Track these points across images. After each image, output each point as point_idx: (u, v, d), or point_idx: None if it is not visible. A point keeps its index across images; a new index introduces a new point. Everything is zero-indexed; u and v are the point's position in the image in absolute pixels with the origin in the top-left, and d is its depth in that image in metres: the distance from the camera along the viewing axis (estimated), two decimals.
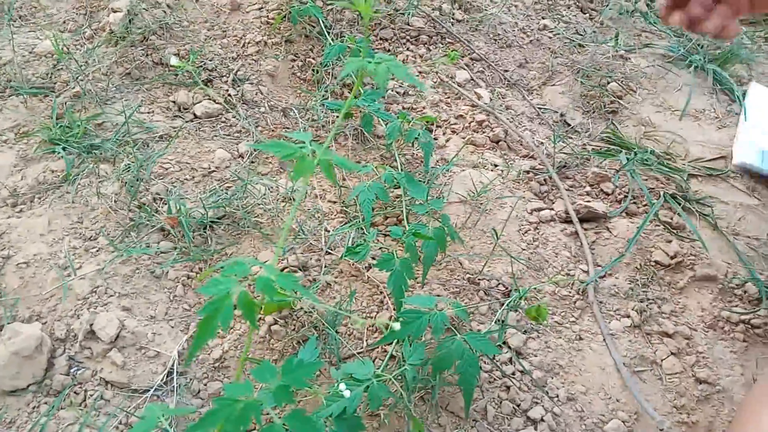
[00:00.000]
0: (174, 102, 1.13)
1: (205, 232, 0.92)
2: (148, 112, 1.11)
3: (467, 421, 0.77)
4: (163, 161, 1.01)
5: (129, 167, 0.97)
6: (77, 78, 1.12)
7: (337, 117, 1.11)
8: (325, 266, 0.89)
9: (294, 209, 0.48)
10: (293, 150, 0.50)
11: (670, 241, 1.02)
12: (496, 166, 1.12)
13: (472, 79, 1.30)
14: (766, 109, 1.30)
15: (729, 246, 1.03)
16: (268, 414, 0.46)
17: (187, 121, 1.10)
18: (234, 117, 1.12)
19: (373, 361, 0.80)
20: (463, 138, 1.16)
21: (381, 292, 0.88)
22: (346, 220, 0.97)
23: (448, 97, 1.25)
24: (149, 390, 0.74)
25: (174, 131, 1.07)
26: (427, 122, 1.10)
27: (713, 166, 1.17)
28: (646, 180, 1.12)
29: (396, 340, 0.78)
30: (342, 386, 0.58)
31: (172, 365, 0.76)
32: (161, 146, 1.03)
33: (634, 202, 1.08)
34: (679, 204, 1.08)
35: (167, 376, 0.75)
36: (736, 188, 1.14)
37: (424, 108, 1.20)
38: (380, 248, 0.94)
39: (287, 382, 0.47)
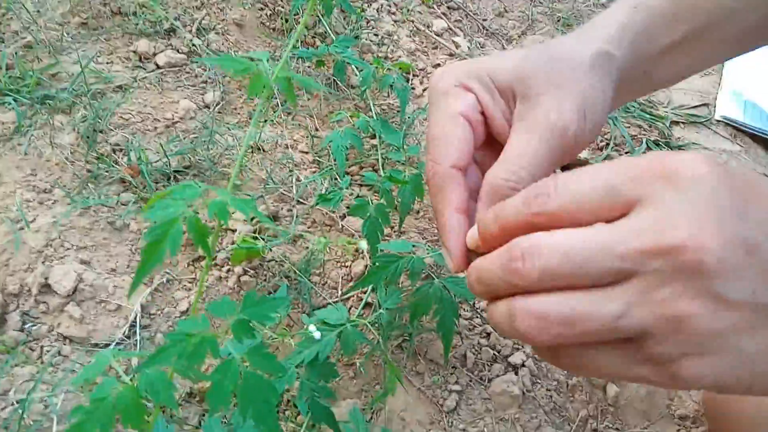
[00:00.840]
0: (134, 52, 1.07)
1: (168, 182, 0.87)
2: (107, 63, 1.04)
3: (446, 367, 0.74)
4: (124, 112, 0.95)
5: (85, 118, 0.91)
6: (28, 28, 1.04)
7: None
8: (297, 216, 0.85)
9: (248, 138, 0.44)
10: (247, 65, 0.45)
11: None
12: None
13: (450, 29, 1.25)
14: (752, 56, 1.27)
15: None
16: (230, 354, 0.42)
17: (149, 72, 1.04)
18: (199, 67, 1.06)
19: (349, 310, 0.76)
20: None
21: (356, 241, 0.85)
22: (320, 171, 0.93)
23: (425, 47, 1.20)
24: (110, 344, 0.70)
25: (135, 81, 1.01)
26: (402, 70, 1.06)
27: (696, 113, 1.15)
28: (629, 127, 1.09)
29: (371, 287, 0.74)
30: (312, 327, 0.55)
31: (135, 318, 0.72)
32: (121, 96, 0.97)
33: (617, 150, 1.05)
34: (662, 150, 1.05)
35: (129, 330, 0.71)
36: (718, 135, 1.12)
37: (399, 57, 1.15)
38: (356, 197, 0.90)
39: (248, 316, 0.43)
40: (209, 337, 0.41)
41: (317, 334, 0.54)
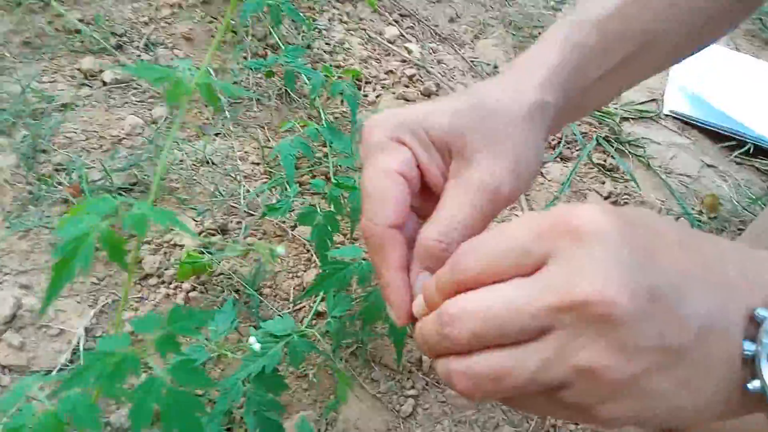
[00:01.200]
0: (80, 69, 1.05)
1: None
2: (51, 81, 1.02)
3: (401, 372, 0.73)
4: (68, 131, 0.93)
5: (26, 138, 0.89)
6: None
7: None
8: (247, 227, 0.84)
9: (167, 147, 0.43)
10: (164, 73, 0.44)
11: (603, 183, 1.01)
12: None
13: (402, 35, 1.26)
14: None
15: (662, 184, 1.03)
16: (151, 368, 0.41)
17: (95, 89, 1.02)
18: (147, 82, 1.05)
19: (301, 321, 0.75)
20: (394, 93, 1.12)
21: (308, 250, 0.84)
22: (270, 181, 0.92)
23: (378, 54, 1.20)
24: (52, 371, 0.68)
25: (80, 99, 0.99)
26: (353, 77, 1.06)
27: (645, 108, 1.17)
28: (579, 125, 1.11)
29: (322, 296, 0.74)
30: (251, 339, 0.53)
31: (78, 342, 0.70)
32: (64, 116, 0.95)
33: (568, 147, 1.07)
34: (612, 146, 1.07)
35: (73, 355, 0.69)
36: (667, 128, 1.14)
37: (352, 65, 1.15)
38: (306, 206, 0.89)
39: (174, 330, 0.42)
40: (130, 355, 0.39)
41: (257, 346, 0.53)
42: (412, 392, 0.72)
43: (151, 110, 1.00)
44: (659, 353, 0.26)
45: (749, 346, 0.27)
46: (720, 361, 0.27)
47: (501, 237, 0.29)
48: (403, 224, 0.36)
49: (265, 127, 1.01)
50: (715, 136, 1.13)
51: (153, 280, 0.78)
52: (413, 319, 0.34)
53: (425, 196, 0.38)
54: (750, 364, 0.27)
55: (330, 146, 0.91)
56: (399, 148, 0.36)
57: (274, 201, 0.89)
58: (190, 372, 0.40)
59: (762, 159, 1.09)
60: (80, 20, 1.10)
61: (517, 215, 0.95)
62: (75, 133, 0.94)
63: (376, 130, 0.36)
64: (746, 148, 1.09)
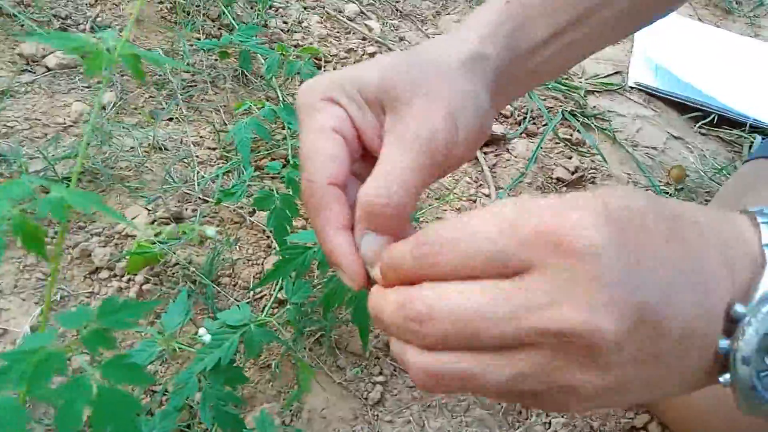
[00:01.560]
0: (20, 55, 0.99)
1: None
2: None
3: (368, 359, 0.71)
4: (8, 120, 0.88)
5: None
6: None
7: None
8: (203, 215, 0.80)
9: (88, 130, 0.39)
10: (81, 42, 0.40)
11: (570, 158, 0.99)
12: None
13: (362, 12, 1.22)
14: (660, 22, 1.29)
15: (628, 157, 1.02)
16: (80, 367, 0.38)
17: (38, 75, 0.96)
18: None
19: (263, 310, 0.72)
20: None
21: (268, 237, 0.80)
22: (226, 166, 0.88)
23: (337, 32, 1.16)
24: None
25: (21, 86, 0.93)
26: (312, 55, 1.02)
27: (610, 81, 1.16)
28: (545, 99, 1.09)
29: (280, 283, 0.71)
30: (201, 330, 0.50)
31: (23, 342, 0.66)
32: (2, 104, 0.89)
33: (534, 123, 1.05)
34: (578, 120, 1.05)
35: None
36: (632, 101, 1.13)
37: (311, 44, 1.11)
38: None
39: (105, 324, 0.38)
40: (54, 353, 0.36)
41: (207, 338, 0.50)
42: (380, 378, 0.70)
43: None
44: (639, 362, 0.25)
45: (724, 343, 0.27)
46: (695, 357, 0.27)
47: (477, 231, 0.26)
48: (344, 184, 0.34)
49: (221, 111, 0.97)
50: (681, 107, 1.12)
51: (104, 274, 0.74)
52: (369, 284, 0.32)
53: (366, 162, 0.36)
54: (722, 359, 0.27)
55: (288, 128, 0.87)
56: (332, 107, 0.35)
57: (230, 186, 0.85)
58: (125, 369, 0.37)
59: (726, 129, 1.09)
60: (19, 2, 1.04)
61: (485, 194, 0.93)
62: (17, 121, 0.88)
63: (309, 92, 0.35)
64: (711, 118, 1.09)
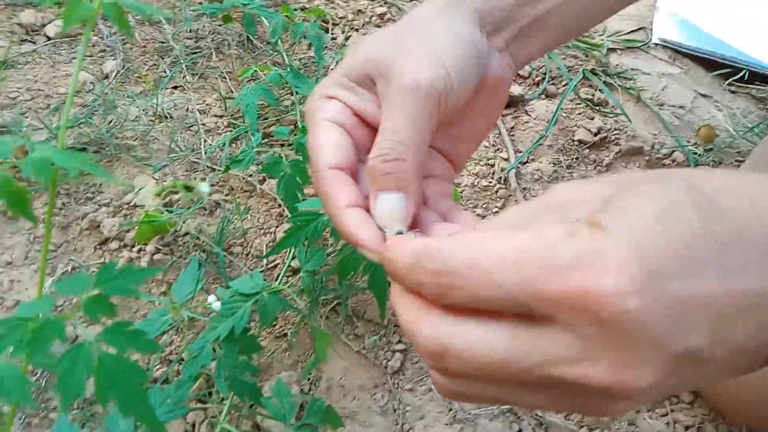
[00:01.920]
0: (20, 24, 0.96)
1: None
2: None
3: (387, 327, 0.69)
4: (9, 91, 0.85)
5: None
6: None
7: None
8: (211, 184, 0.78)
9: (73, 83, 0.36)
10: None
11: (592, 118, 0.95)
12: None
13: None
14: None
15: (654, 117, 0.98)
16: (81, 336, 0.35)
17: (38, 45, 0.94)
18: (97, 36, 0.96)
19: (277, 279, 0.70)
20: (364, 34, 1.04)
21: (279, 205, 0.78)
22: (237, 135, 0.85)
23: None
24: None
25: (21, 56, 0.90)
26: (318, 17, 0.98)
27: (633, 38, 1.10)
28: (564, 58, 1.04)
29: (293, 252, 0.68)
30: (211, 298, 0.48)
31: None
32: (5, 74, 0.87)
33: (553, 83, 1.00)
34: (600, 79, 1.00)
35: None
36: (657, 58, 1.08)
37: (318, 6, 1.07)
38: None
39: (104, 291, 0.36)
40: (52, 320, 0.34)
41: (217, 306, 0.48)
42: (399, 346, 0.68)
43: (101, 65, 0.92)
44: (681, 385, 0.24)
45: None
46: (749, 359, 0.23)
47: (499, 272, 0.23)
48: (352, 169, 0.34)
49: (227, 78, 0.93)
50: (708, 63, 1.06)
51: (114, 244, 0.72)
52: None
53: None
54: None
55: (296, 92, 0.84)
56: (328, 102, 0.35)
57: (238, 154, 0.82)
58: (128, 336, 0.35)
59: (758, 85, 1.03)
60: None
61: (504, 157, 0.89)
62: (18, 92, 0.86)
63: (309, 98, 0.36)
64: (741, 74, 1.03)
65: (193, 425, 0.60)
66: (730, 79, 1.04)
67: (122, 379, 0.33)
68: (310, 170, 0.36)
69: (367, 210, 0.33)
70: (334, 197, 0.32)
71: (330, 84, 0.35)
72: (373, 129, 0.35)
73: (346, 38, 1.03)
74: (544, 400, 0.25)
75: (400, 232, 0.31)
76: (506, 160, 0.89)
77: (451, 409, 0.64)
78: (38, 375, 0.63)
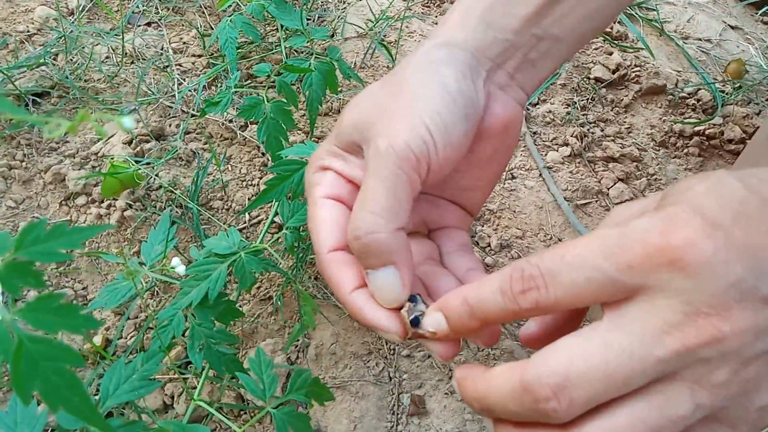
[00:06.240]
0: None
1: (27, 109, 0.70)
2: None
3: None
4: None
5: None
6: None
7: None
8: (186, 131, 0.70)
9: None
10: None
11: (610, 54, 0.86)
12: None
13: None
14: None
15: (678, 51, 0.88)
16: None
17: None
18: None
19: (264, 235, 0.64)
20: None
21: (263, 154, 0.71)
22: (215, 74, 0.77)
23: None
24: None
25: None
26: None
27: None
28: None
29: (274, 205, 0.61)
30: (174, 260, 0.42)
31: None
32: None
33: None
34: None
35: None
36: None
37: None
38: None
39: (27, 255, 0.30)
40: None
41: (181, 269, 0.42)
42: None
43: None
44: None
45: None
46: None
47: (580, 262, 0.25)
48: (347, 245, 0.32)
49: (206, 12, 0.84)
50: None
51: (81, 200, 0.66)
52: (411, 335, 0.30)
53: None
54: None
55: (281, 28, 0.75)
56: (322, 174, 0.34)
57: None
58: (57, 312, 0.29)
59: None
60: None
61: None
62: None
63: (307, 170, 0.35)
64: None
65: (172, 397, 0.55)
66: (764, 8, 0.93)
67: (48, 366, 0.27)
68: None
69: None
70: (336, 282, 0.32)
71: (323, 154, 0.35)
72: None
73: None
74: (693, 399, 0.24)
75: (411, 300, 0.30)
76: None
77: (451, 377, 0.59)
78: None
